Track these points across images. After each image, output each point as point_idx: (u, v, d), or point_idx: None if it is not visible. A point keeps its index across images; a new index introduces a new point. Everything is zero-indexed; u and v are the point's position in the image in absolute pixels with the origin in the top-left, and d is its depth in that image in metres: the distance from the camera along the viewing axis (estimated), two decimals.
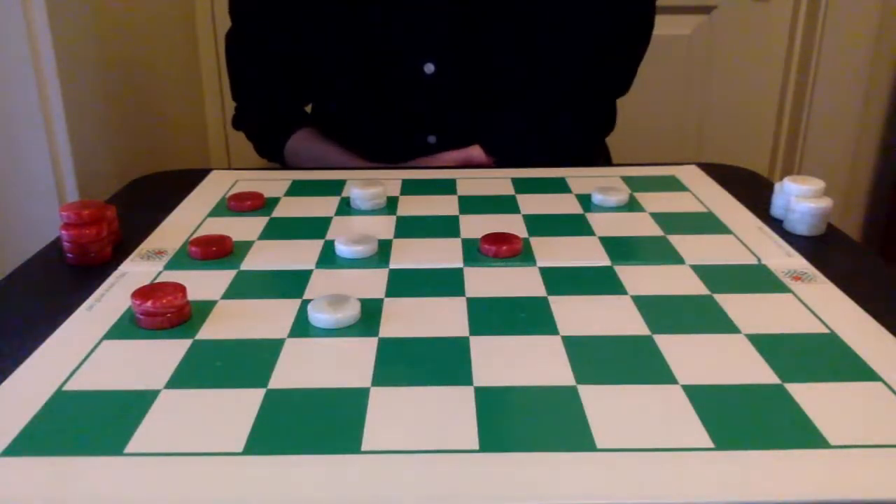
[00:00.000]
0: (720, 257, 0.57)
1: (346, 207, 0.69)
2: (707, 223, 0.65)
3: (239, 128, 0.97)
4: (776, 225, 0.64)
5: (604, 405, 0.39)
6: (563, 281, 0.53)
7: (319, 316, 0.47)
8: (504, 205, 0.69)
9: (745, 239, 0.61)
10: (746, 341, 0.45)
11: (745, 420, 0.38)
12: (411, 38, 0.84)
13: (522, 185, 0.74)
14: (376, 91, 0.87)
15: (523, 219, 0.66)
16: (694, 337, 0.46)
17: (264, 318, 0.48)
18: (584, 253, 0.58)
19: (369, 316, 0.48)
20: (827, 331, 0.46)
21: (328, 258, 0.58)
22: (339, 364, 0.43)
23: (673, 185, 0.75)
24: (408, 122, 0.88)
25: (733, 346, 0.45)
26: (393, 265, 0.56)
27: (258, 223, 0.65)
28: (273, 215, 0.67)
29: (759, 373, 0.42)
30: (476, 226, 0.64)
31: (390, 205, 0.69)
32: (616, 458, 0.35)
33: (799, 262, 0.56)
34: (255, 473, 0.34)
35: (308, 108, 1.00)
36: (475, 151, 0.85)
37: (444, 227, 0.64)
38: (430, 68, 0.84)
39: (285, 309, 0.49)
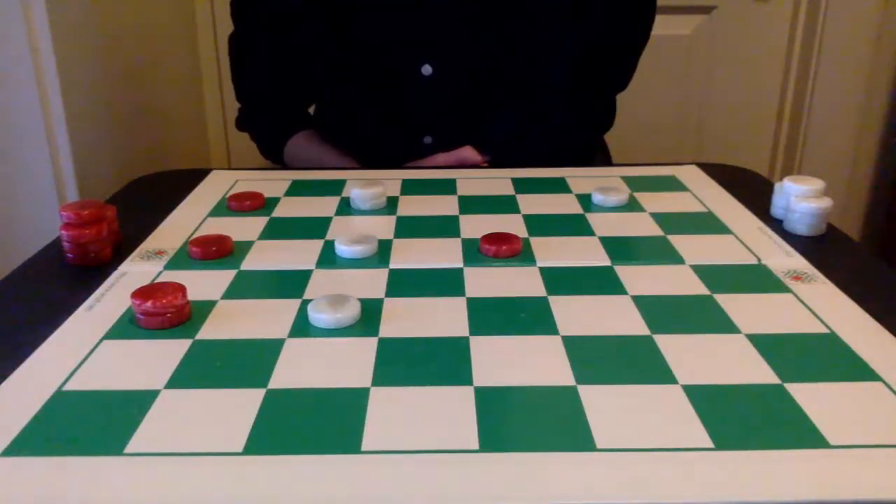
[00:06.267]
0: (720, 257, 0.57)
1: (346, 207, 0.69)
2: (707, 223, 0.65)
3: (242, 129, 0.97)
4: (776, 225, 0.64)
5: (604, 405, 0.39)
6: (563, 281, 0.53)
7: (319, 316, 0.47)
8: (504, 205, 0.69)
9: (745, 239, 0.61)
10: (746, 341, 0.45)
11: (745, 420, 0.38)
12: (410, 41, 0.84)
13: (522, 185, 0.74)
14: (374, 92, 0.87)
15: (523, 219, 0.66)
16: (694, 337, 0.46)
17: (264, 318, 0.48)
18: (584, 253, 0.58)
19: (369, 316, 0.48)
20: (827, 331, 0.46)
21: (328, 258, 0.58)
22: (339, 364, 0.43)
23: (673, 185, 0.75)
24: (405, 122, 0.88)
25: (733, 346, 0.45)
26: (393, 265, 0.56)
27: (258, 223, 0.65)
28: (273, 215, 0.67)
29: (759, 373, 0.42)
30: (476, 226, 0.64)
31: (390, 205, 0.69)
32: (616, 458, 0.35)
33: (799, 262, 0.56)
34: (255, 473, 0.34)
35: (312, 110, 1.00)
36: (467, 152, 0.85)
37: (444, 227, 0.64)
38: (427, 70, 0.85)
39: (285, 309, 0.49)
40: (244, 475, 0.34)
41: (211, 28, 1.46)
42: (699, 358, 0.43)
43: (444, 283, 0.53)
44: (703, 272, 0.55)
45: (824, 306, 0.49)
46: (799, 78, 1.62)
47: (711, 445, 0.36)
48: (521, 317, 0.48)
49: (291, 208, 0.69)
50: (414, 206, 0.69)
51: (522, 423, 0.38)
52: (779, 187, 0.66)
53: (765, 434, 0.36)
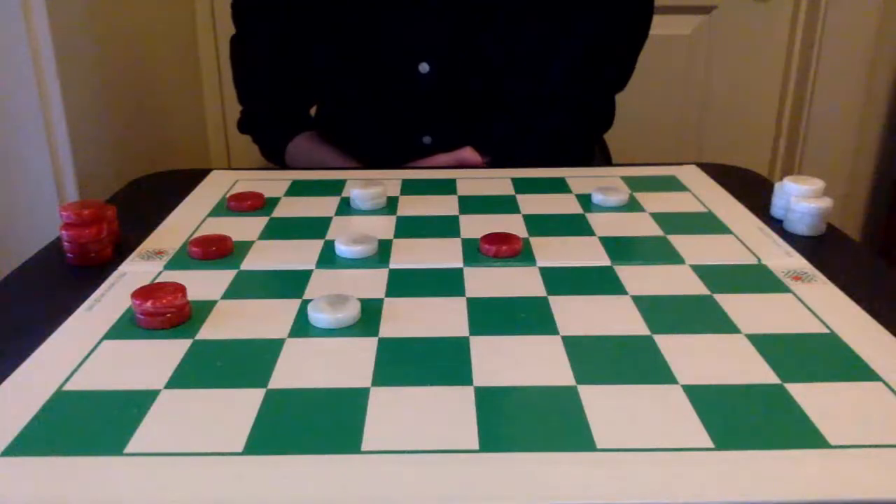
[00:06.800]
0: (720, 257, 0.57)
1: (346, 207, 0.69)
2: (707, 223, 0.65)
3: (244, 131, 0.97)
4: (776, 225, 0.64)
5: (604, 405, 0.39)
6: (563, 281, 0.53)
7: (319, 316, 0.47)
8: (504, 205, 0.69)
9: (745, 239, 0.61)
10: (746, 341, 0.45)
11: (745, 420, 0.38)
12: (406, 38, 0.84)
13: (522, 185, 0.74)
14: (372, 91, 0.87)
15: (523, 219, 0.66)
16: (694, 337, 0.46)
17: (264, 318, 0.48)
18: (584, 253, 0.58)
19: (369, 316, 0.48)
20: (827, 331, 0.46)
21: (328, 258, 0.58)
22: (339, 364, 0.43)
23: (673, 185, 0.75)
24: (403, 122, 0.89)
25: (733, 346, 0.45)
26: (393, 265, 0.56)
27: (258, 223, 0.65)
28: (273, 215, 0.67)
29: (759, 373, 0.42)
30: (476, 226, 0.64)
31: (390, 205, 0.69)
32: (616, 458, 0.35)
33: (799, 262, 0.56)
34: (255, 473, 0.34)
35: (313, 111, 1.00)
36: (467, 152, 0.85)
37: (444, 227, 0.64)
38: (424, 68, 0.85)
39: (285, 309, 0.49)
40: (244, 475, 0.34)
41: (211, 28, 1.46)
42: (699, 358, 0.43)
43: (444, 283, 0.53)
44: (703, 272, 0.55)
45: (824, 306, 0.49)
46: (799, 78, 1.62)
47: (711, 445, 0.36)
48: (521, 317, 0.48)
49: (291, 208, 0.69)
50: (414, 206, 0.69)
51: (522, 423, 0.38)
52: (779, 187, 0.66)
53: (765, 434, 0.36)
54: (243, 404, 0.39)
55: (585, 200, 0.70)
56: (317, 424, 0.37)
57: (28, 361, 0.43)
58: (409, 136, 0.89)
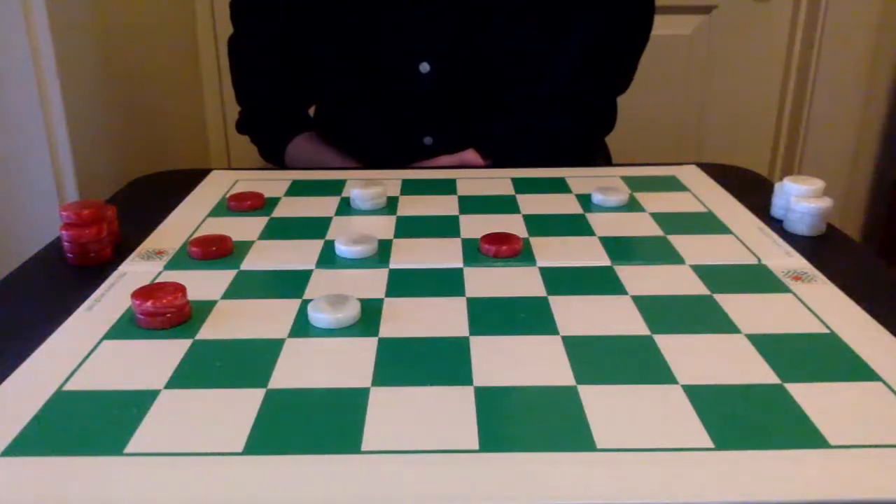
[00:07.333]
0: (720, 257, 0.57)
1: (346, 207, 0.69)
2: (707, 223, 0.65)
3: (243, 132, 0.97)
4: (776, 225, 0.64)
5: (604, 405, 0.39)
6: (563, 281, 0.53)
7: (319, 316, 0.47)
8: (504, 205, 0.69)
9: (745, 239, 0.61)
10: (746, 341, 0.45)
11: (745, 420, 0.38)
12: (407, 38, 0.84)
13: (522, 185, 0.74)
14: (372, 91, 0.87)
15: (523, 219, 0.66)
16: (694, 337, 0.46)
17: (264, 318, 0.48)
18: (584, 253, 0.58)
19: (369, 316, 0.48)
20: (827, 331, 0.46)
21: (328, 258, 0.58)
22: (339, 364, 0.43)
23: (673, 185, 0.75)
24: (404, 122, 0.88)
25: (733, 346, 0.45)
26: (393, 265, 0.56)
27: (258, 223, 0.65)
28: (273, 215, 0.67)
29: (759, 373, 0.42)
30: (476, 226, 0.64)
31: (390, 205, 0.69)
32: (616, 458, 0.35)
33: (799, 262, 0.56)
34: (255, 473, 0.34)
35: (311, 111, 1.00)
36: (469, 155, 0.85)
37: (444, 227, 0.64)
38: (425, 67, 0.85)
39: (285, 309, 0.49)
40: (244, 475, 0.34)
41: (211, 28, 1.46)
42: (699, 358, 0.43)
43: (444, 283, 0.53)
44: (703, 272, 0.55)
45: (824, 306, 0.49)
46: (799, 78, 1.62)
47: (711, 445, 0.36)
48: (521, 317, 0.48)
49: (291, 208, 0.69)
50: (414, 206, 0.69)
51: (522, 423, 0.38)
52: (779, 187, 0.66)
53: (765, 434, 0.36)
54: (243, 404, 0.39)
55: (585, 200, 0.70)
56: (317, 424, 0.37)
57: (28, 361, 0.43)
58: (409, 136, 0.89)
